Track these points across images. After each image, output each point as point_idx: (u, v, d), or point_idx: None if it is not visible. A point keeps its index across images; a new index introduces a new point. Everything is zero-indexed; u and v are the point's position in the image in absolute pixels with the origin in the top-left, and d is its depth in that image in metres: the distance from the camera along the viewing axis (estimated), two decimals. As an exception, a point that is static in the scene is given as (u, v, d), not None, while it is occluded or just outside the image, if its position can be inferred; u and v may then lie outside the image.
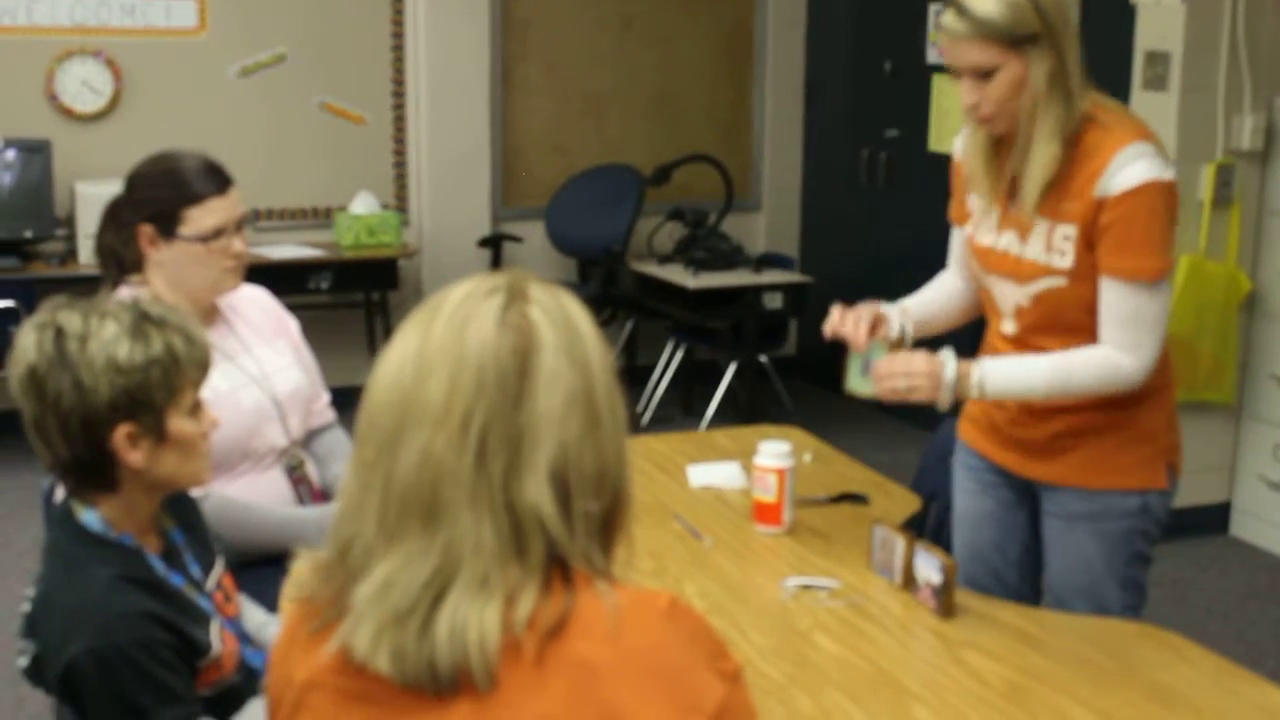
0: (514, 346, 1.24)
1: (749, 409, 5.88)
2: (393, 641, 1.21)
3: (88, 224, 5.38)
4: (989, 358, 2.41)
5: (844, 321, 2.48)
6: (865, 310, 2.50)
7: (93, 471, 1.84)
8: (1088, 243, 2.31)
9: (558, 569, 1.24)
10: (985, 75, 2.28)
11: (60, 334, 1.80)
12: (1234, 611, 4.32)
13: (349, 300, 6.17)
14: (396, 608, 1.21)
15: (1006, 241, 2.42)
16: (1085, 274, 2.33)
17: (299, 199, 6.19)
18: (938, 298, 2.67)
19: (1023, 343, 2.45)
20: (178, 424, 1.85)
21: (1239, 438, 4.90)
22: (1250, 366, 4.83)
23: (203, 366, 1.89)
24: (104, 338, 1.79)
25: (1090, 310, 2.35)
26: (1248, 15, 4.55)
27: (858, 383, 2.47)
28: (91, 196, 5.38)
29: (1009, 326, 2.47)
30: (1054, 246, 2.34)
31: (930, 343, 2.50)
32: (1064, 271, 2.34)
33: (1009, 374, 2.36)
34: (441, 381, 1.23)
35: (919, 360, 2.37)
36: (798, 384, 6.66)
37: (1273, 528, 4.81)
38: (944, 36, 2.31)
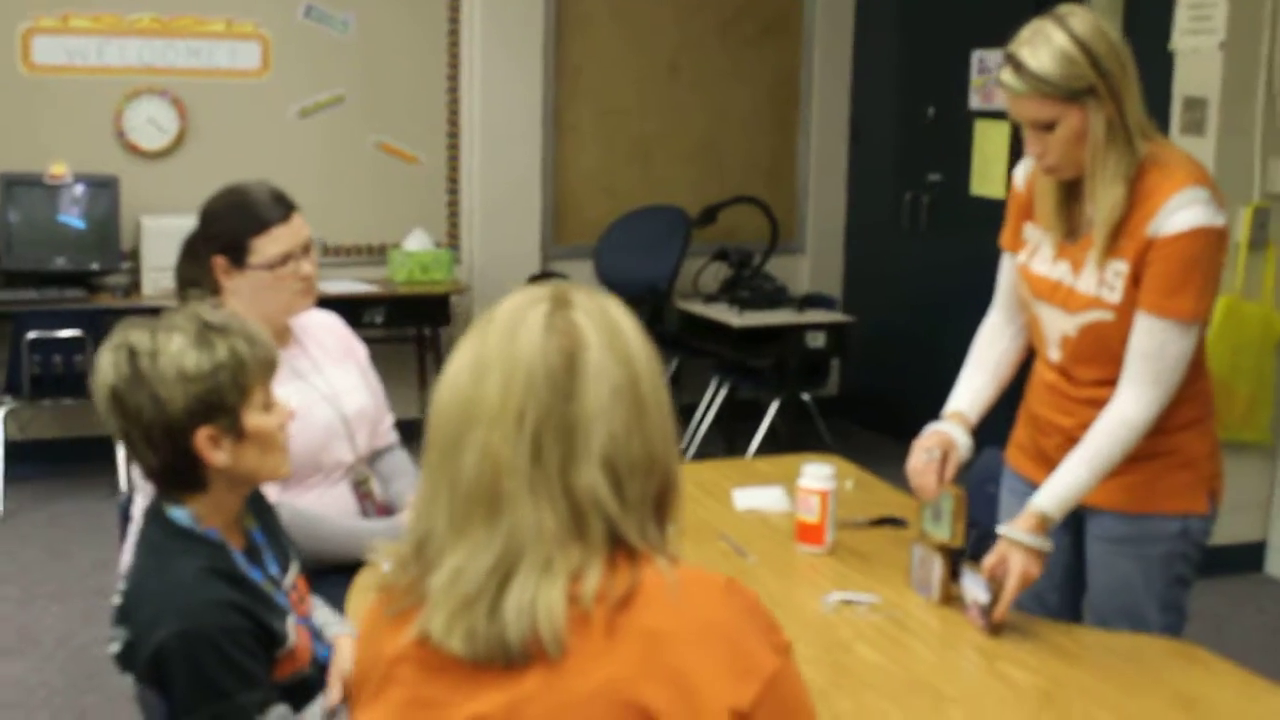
0: (560, 347, 1.36)
1: (790, 447, 5.93)
2: (464, 624, 1.33)
3: (152, 257, 5.57)
4: (1036, 493, 2.43)
5: (917, 474, 2.55)
6: (932, 452, 2.56)
7: (182, 474, 1.97)
8: (1136, 279, 2.38)
9: (622, 549, 1.35)
10: (1047, 127, 2.35)
11: (133, 353, 1.93)
12: (1269, 648, 4.36)
13: (402, 335, 6.32)
14: (466, 593, 1.33)
15: (1060, 272, 2.49)
16: (1132, 309, 2.39)
17: (354, 236, 6.36)
18: (985, 380, 2.69)
19: (1066, 372, 2.53)
20: (254, 420, 1.98)
21: (1275, 476, 4.95)
22: (1287, 407, 4.88)
23: (268, 364, 2.02)
24: (171, 351, 1.92)
25: None
26: (1284, 63, 4.65)
27: (932, 528, 2.50)
28: (156, 230, 5.57)
29: (1054, 354, 2.55)
30: (1105, 281, 2.41)
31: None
32: (1112, 306, 2.41)
33: (1063, 494, 2.40)
34: (496, 384, 1.35)
35: (1007, 569, 2.35)
36: (839, 423, 6.72)
37: (1309, 567, 4.85)
38: (1003, 91, 2.38)
